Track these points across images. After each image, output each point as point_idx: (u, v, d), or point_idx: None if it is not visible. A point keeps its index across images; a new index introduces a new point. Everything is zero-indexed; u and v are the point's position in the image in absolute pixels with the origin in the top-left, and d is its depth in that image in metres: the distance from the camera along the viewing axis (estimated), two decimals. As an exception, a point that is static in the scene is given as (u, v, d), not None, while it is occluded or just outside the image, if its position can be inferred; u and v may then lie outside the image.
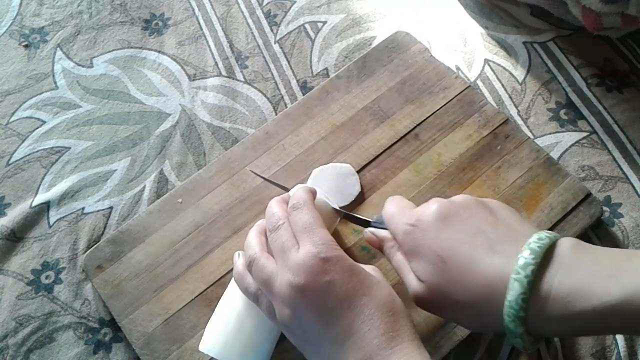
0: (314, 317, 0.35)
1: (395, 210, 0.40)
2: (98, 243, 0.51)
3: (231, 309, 0.43)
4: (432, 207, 0.37)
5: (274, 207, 0.41)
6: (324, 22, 0.64)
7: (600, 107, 0.57)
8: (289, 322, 0.36)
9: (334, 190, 0.50)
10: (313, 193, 0.42)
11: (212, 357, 0.43)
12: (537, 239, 0.32)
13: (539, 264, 0.31)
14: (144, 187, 0.55)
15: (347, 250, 0.48)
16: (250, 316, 0.42)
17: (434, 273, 0.35)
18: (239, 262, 0.42)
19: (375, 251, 0.48)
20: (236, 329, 0.42)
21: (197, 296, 0.48)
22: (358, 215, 0.46)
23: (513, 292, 0.31)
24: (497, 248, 0.34)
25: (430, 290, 0.35)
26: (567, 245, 0.32)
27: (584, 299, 0.30)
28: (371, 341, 0.34)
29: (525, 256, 0.31)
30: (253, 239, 0.41)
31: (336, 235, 0.49)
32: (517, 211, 0.50)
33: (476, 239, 0.34)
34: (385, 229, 0.41)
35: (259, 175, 0.51)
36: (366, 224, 0.44)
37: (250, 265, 0.40)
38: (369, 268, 0.39)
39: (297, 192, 0.41)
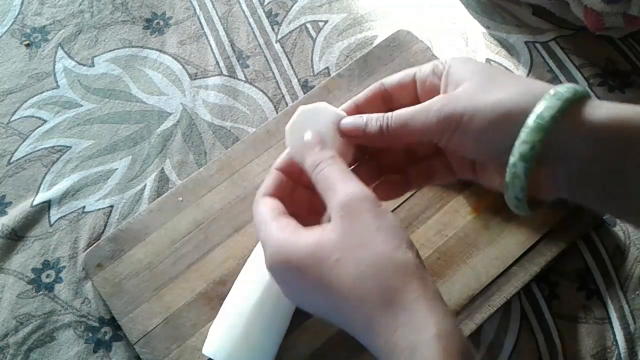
0: None
1: None
2: (98, 241, 0.51)
3: (238, 313, 0.42)
4: None
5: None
6: (325, 22, 0.64)
7: (602, 107, 0.57)
8: None
9: None
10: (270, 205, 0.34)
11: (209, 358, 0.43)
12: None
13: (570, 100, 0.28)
14: (145, 186, 0.55)
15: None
16: (258, 321, 0.41)
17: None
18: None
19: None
20: (244, 334, 0.41)
21: (197, 295, 0.48)
22: None
23: (544, 103, 0.28)
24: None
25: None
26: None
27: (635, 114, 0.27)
28: (365, 302, 0.28)
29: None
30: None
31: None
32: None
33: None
34: None
35: None
36: None
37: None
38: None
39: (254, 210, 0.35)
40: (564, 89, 0.29)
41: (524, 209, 0.31)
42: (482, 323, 0.46)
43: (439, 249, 0.49)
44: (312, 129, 0.35)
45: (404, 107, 0.34)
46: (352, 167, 0.38)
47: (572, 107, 0.28)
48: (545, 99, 0.28)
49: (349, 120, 0.35)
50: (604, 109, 0.28)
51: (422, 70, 0.35)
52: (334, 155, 0.33)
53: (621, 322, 0.47)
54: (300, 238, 0.30)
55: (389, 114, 0.34)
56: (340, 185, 0.31)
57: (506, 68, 0.60)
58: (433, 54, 0.58)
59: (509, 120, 0.29)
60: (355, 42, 0.62)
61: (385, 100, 0.37)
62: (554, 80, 0.59)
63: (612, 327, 0.47)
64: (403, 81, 0.36)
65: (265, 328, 0.42)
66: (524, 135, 0.28)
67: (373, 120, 0.34)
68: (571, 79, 0.59)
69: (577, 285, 0.49)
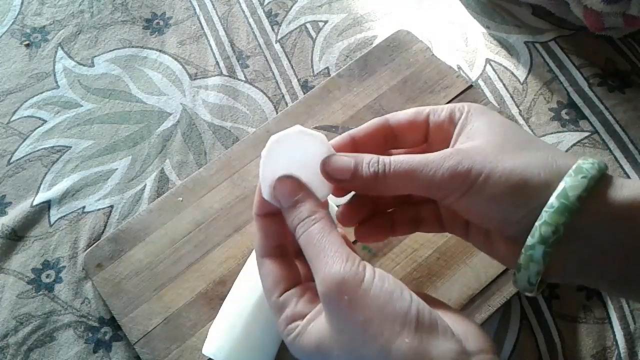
0: None
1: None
2: (98, 241, 0.51)
3: (237, 313, 0.42)
4: None
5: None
6: (325, 22, 0.64)
7: (601, 107, 0.57)
8: None
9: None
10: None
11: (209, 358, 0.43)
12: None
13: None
14: (145, 186, 0.55)
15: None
16: (258, 321, 0.41)
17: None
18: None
19: (375, 250, 0.48)
20: (244, 333, 0.41)
21: (197, 295, 0.48)
22: None
23: (568, 180, 0.26)
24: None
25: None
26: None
27: None
28: None
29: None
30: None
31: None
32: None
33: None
34: None
35: None
36: None
37: None
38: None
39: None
40: (588, 164, 0.27)
41: (531, 291, 0.29)
42: (482, 323, 0.46)
43: (439, 249, 0.49)
44: (295, 163, 0.30)
45: (408, 149, 0.31)
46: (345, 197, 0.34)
47: (596, 185, 0.26)
48: (570, 176, 0.26)
49: (334, 160, 0.30)
50: (626, 190, 0.26)
51: (438, 113, 0.32)
52: (314, 211, 0.29)
53: (621, 322, 0.47)
54: (304, 343, 0.29)
55: (386, 158, 0.29)
56: (320, 263, 0.28)
57: (506, 68, 0.60)
58: (433, 54, 0.58)
59: (526, 192, 0.27)
60: (355, 42, 0.62)
61: (388, 139, 0.33)
62: (554, 81, 0.59)
63: (612, 327, 0.47)
64: (414, 121, 0.32)
65: (265, 328, 0.42)
66: (547, 216, 0.26)
67: (364, 163, 0.29)
68: (571, 79, 0.59)
69: (577, 285, 0.49)
